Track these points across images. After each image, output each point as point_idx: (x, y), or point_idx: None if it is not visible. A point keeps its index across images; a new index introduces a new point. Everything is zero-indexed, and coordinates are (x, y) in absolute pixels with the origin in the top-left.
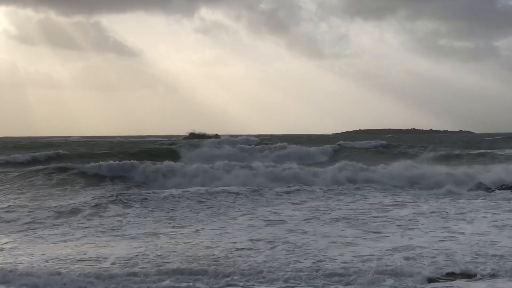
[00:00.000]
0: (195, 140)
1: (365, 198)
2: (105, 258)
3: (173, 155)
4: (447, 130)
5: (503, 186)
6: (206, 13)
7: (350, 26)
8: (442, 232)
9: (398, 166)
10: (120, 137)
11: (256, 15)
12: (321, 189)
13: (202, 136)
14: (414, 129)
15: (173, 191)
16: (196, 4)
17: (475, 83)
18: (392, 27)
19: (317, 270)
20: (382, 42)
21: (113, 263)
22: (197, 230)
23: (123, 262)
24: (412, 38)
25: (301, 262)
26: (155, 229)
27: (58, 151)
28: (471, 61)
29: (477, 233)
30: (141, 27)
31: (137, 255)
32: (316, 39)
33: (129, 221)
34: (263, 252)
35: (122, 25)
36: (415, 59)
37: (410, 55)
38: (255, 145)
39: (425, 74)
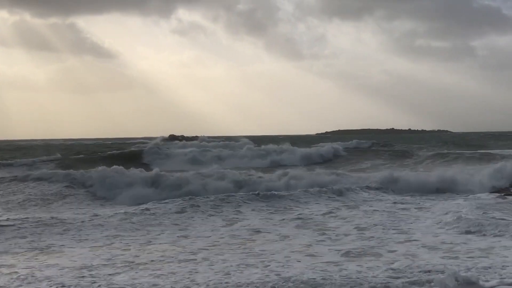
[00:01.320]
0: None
1: None
2: None
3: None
4: (425, 130)
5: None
6: (183, 14)
7: (327, 26)
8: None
9: None
10: (100, 139)
11: (234, 16)
12: None
13: (182, 138)
14: (393, 129)
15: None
16: (172, 5)
17: (453, 82)
18: (370, 27)
19: None
20: (360, 43)
21: None
22: None
23: None
24: (390, 38)
25: None
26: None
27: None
28: (448, 61)
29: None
30: (117, 28)
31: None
32: (294, 40)
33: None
34: None
35: (99, 27)
36: (393, 59)
37: (388, 55)
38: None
39: (403, 74)
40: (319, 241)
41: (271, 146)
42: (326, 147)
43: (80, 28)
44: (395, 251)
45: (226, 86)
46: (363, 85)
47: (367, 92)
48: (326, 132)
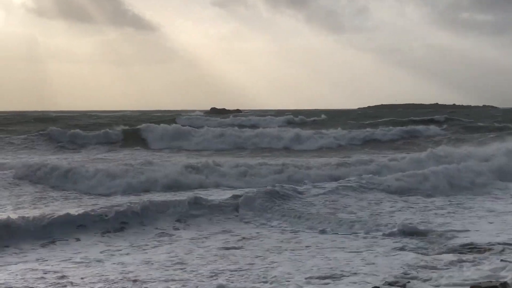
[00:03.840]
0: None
1: None
2: None
3: None
4: (470, 105)
5: None
6: None
7: None
8: None
9: None
10: (138, 111)
11: None
12: None
13: (223, 111)
14: (437, 103)
15: None
16: None
17: (498, 56)
18: None
19: None
20: (402, 15)
21: None
22: None
23: None
24: (433, 11)
25: None
26: None
27: None
28: (493, 35)
29: None
30: (158, 0)
31: None
32: (335, 12)
33: None
34: None
35: None
36: (436, 32)
37: (431, 28)
38: None
39: (447, 48)
40: None
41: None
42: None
43: (121, 0)
44: None
45: (265, 59)
46: (406, 59)
47: (409, 66)
48: (369, 107)
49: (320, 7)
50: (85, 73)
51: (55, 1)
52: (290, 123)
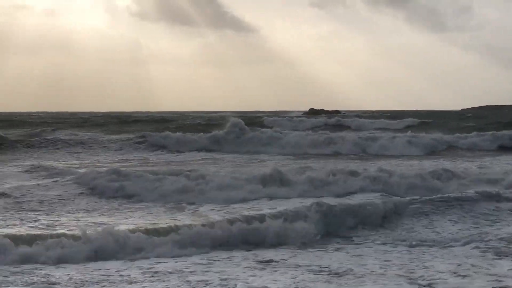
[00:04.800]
0: None
1: None
2: None
3: None
4: None
5: None
6: None
7: None
8: None
9: None
10: (238, 112)
11: None
12: None
13: (321, 112)
14: None
15: None
16: None
17: None
18: None
19: None
20: (508, 13)
21: None
22: None
23: None
24: None
25: None
26: None
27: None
28: None
29: None
30: (257, 2)
31: None
32: (437, 10)
33: None
34: None
35: (238, 1)
36: None
37: None
38: None
39: None
40: None
41: None
42: None
43: (220, 3)
44: None
45: (364, 59)
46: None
47: None
48: (472, 108)
49: (420, 5)
50: (187, 75)
51: (157, 5)
52: (408, 127)
